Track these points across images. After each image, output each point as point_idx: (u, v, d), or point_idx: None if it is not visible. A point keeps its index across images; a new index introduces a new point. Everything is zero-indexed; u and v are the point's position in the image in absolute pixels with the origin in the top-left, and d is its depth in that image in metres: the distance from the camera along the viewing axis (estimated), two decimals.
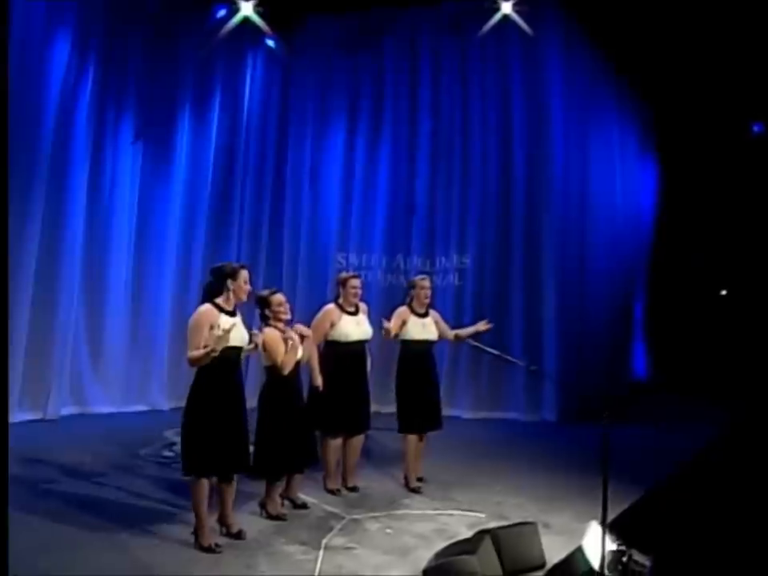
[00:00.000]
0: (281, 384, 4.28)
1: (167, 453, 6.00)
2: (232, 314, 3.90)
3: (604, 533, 3.07)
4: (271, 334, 4.25)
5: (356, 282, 4.87)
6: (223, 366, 3.82)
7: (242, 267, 3.94)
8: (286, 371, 4.22)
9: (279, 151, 8.52)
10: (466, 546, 3.50)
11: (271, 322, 4.32)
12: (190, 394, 3.88)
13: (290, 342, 4.21)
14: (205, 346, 3.69)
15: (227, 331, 3.67)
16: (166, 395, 7.85)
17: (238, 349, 3.87)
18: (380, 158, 8.46)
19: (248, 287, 3.91)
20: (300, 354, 4.33)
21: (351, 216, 8.45)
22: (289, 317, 4.40)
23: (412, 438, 5.10)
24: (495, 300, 8.18)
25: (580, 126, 8.36)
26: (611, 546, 3.12)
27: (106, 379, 7.69)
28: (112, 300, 7.75)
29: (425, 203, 8.40)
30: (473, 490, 5.16)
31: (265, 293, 4.39)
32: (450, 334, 5.28)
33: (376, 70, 8.40)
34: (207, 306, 3.85)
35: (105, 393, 7.66)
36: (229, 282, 3.84)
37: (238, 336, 3.86)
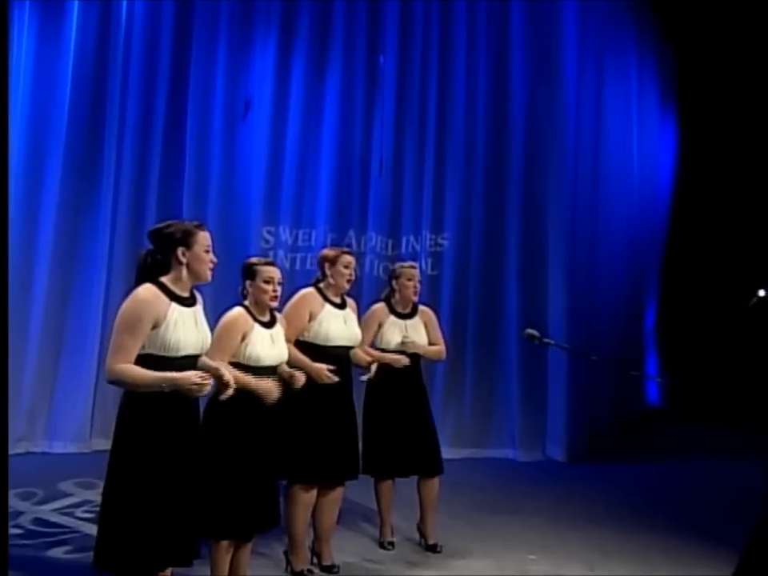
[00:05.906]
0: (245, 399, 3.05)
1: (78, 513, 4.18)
2: (189, 302, 2.66)
3: None
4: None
5: (349, 259, 3.60)
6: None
7: (198, 227, 2.75)
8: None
9: (176, 79, 6.04)
10: None
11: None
12: (120, 425, 2.57)
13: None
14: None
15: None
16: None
17: (194, 358, 2.71)
18: (326, 96, 6.25)
19: (210, 258, 2.70)
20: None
21: (282, 176, 6.20)
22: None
23: (386, 483, 3.96)
24: (482, 294, 6.29)
25: (595, 70, 6.59)
26: None
27: None
28: None
29: (388, 162, 6.28)
30: (497, 559, 3.86)
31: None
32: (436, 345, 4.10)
33: None
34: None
35: None
36: (180, 251, 2.65)
37: (198, 339, 2.66)
